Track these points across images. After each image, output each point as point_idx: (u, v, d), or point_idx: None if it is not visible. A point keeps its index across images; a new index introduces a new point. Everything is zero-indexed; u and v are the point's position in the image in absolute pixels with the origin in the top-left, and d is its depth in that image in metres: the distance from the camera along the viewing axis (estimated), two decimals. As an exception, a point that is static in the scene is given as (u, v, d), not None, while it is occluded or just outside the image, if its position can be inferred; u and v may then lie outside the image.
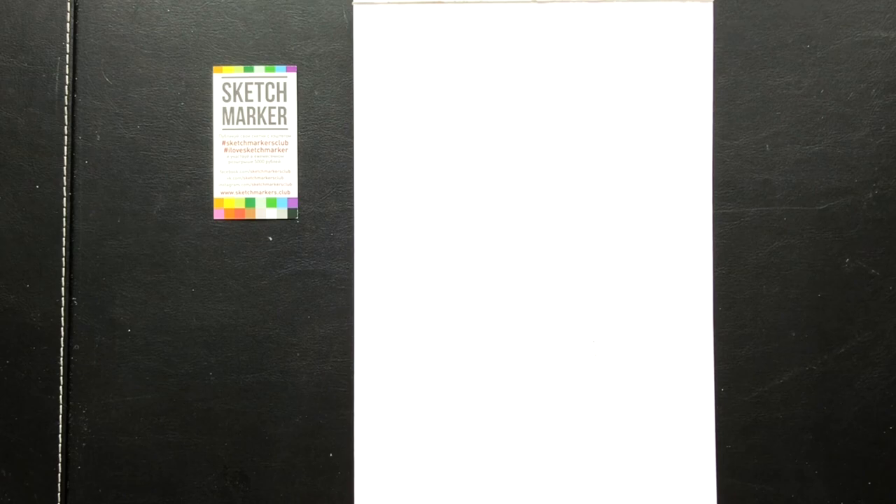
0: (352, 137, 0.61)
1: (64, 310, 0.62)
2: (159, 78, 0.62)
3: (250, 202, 0.62)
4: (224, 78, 0.62)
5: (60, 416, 0.62)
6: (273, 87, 0.62)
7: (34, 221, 0.62)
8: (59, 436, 0.62)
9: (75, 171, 0.62)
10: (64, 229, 0.62)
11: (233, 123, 0.62)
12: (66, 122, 0.62)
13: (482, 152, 0.61)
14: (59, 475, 0.61)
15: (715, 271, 0.60)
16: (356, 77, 0.61)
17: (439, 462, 0.61)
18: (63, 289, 0.62)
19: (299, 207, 0.62)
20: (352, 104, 0.61)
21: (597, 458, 0.60)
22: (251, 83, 0.62)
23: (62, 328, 0.62)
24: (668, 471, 0.60)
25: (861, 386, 0.60)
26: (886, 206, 0.60)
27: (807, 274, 0.60)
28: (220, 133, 0.62)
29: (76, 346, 0.62)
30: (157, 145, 0.62)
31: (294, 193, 0.62)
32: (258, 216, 0.62)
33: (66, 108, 0.62)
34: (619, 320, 0.60)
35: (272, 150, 0.62)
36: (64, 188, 0.62)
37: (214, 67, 0.62)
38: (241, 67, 0.62)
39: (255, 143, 0.62)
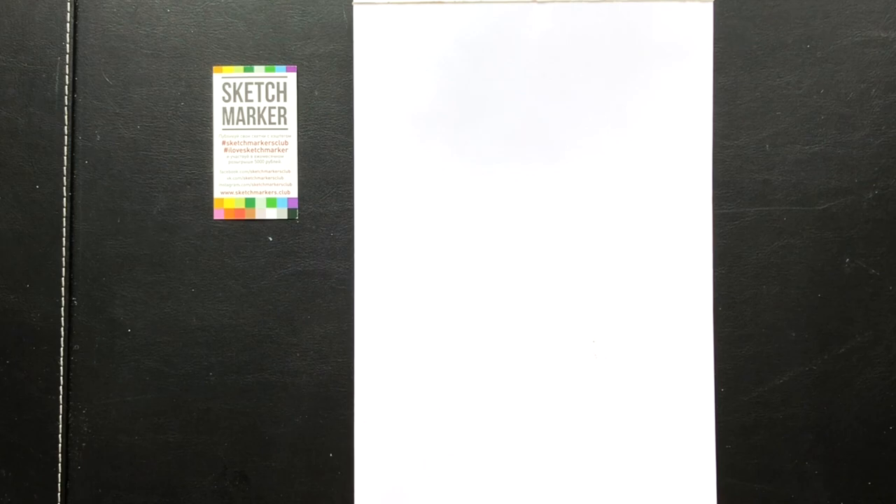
0: (352, 137, 0.61)
1: (64, 310, 0.62)
2: (159, 78, 0.62)
3: (250, 202, 0.62)
4: (224, 78, 0.62)
5: (60, 416, 0.62)
6: (273, 87, 0.62)
7: (34, 221, 0.62)
8: (59, 436, 0.62)
9: (75, 171, 0.62)
10: (64, 229, 0.62)
11: (233, 123, 0.62)
12: (66, 122, 0.62)
13: (482, 152, 0.61)
14: (59, 475, 0.61)
15: (715, 271, 0.60)
16: (356, 77, 0.61)
17: (439, 462, 0.61)
18: (63, 289, 0.62)
19: (299, 207, 0.62)
20: (352, 104, 0.61)
21: (597, 457, 0.60)
22: (251, 83, 0.62)
23: (62, 328, 0.62)
24: (668, 471, 0.60)
25: (861, 386, 0.60)
26: (886, 206, 0.60)
27: (807, 274, 0.60)
28: (220, 133, 0.62)
29: (76, 346, 0.62)
30: (157, 145, 0.62)
31: (294, 193, 0.62)
32: (258, 216, 0.62)
33: (66, 108, 0.62)
34: (619, 320, 0.60)
35: (272, 150, 0.62)
36: (64, 188, 0.62)
37: (214, 67, 0.62)
38: (241, 67, 0.62)
39: (255, 143, 0.62)
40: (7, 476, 0.62)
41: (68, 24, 0.62)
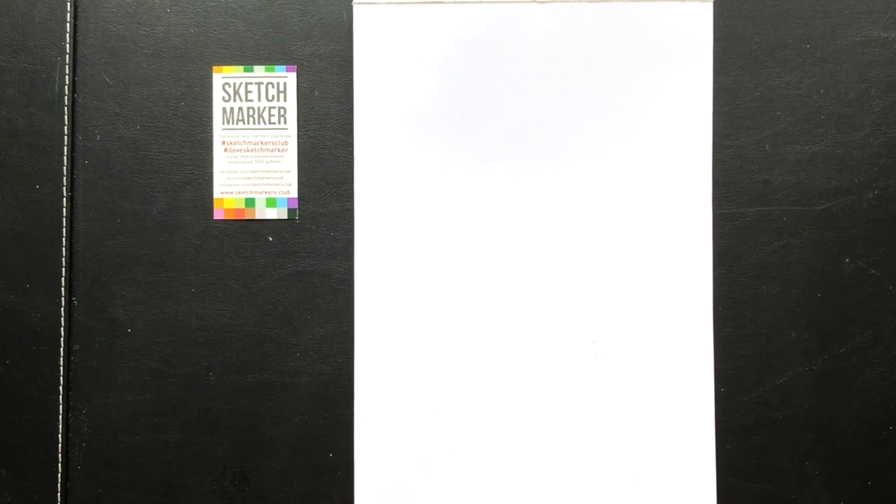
0: (352, 137, 0.61)
1: (64, 310, 0.62)
2: (159, 78, 0.62)
3: (250, 202, 0.62)
4: (224, 78, 0.62)
5: (60, 416, 0.62)
6: (273, 87, 0.62)
7: (34, 221, 0.62)
8: (59, 436, 0.62)
9: (75, 171, 0.62)
10: (64, 229, 0.62)
11: (233, 123, 0.62)
12: (66, 122, 0.62)
13: (482, 152, 0.61)
14: (59, 475, 0.61)
15: (715, 271, 0.60)
16: (356, 77, 0.61)
17: (439, 462, 0.61)
18: (63, 289, 0.62)
19: (299, 207, 0.62)
20: (352, 104, 0.61)
21: (597, 457, 0.60)
22: (251, 83, 0.62)
23: (62, 328, 0.62)
24: (668, 471, 0.60)
25: (861, 386, 0.60)
26: (886, 206, 0.60)
27: (807, 274, 0.60)
28: (220, 133, 0.62)
29: (76, 346, 0.62)
30: (157, 145, 0.62)
31: (294, 193, 0.62)
32: (258, 216, 0.62)
33: (66, 108, 0.62)
34: (619, 320, 0.60)
35: (272, 150, 0.62)
36: (64, 188, 0.62)
37: (214, 67, 0.62)
38: (241, 67, 0.62)
39: (255, 143, 0.62)
40: (7, 476, 0.62)
41: (68, 24, 0.62)
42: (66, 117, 0.62)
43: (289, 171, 0.62)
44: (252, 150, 0.62)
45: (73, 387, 0.62)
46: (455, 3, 0.60)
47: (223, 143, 0.62)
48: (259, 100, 0.62)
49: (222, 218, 0.62)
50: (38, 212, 0.62)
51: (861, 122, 0.60)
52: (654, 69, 0.60)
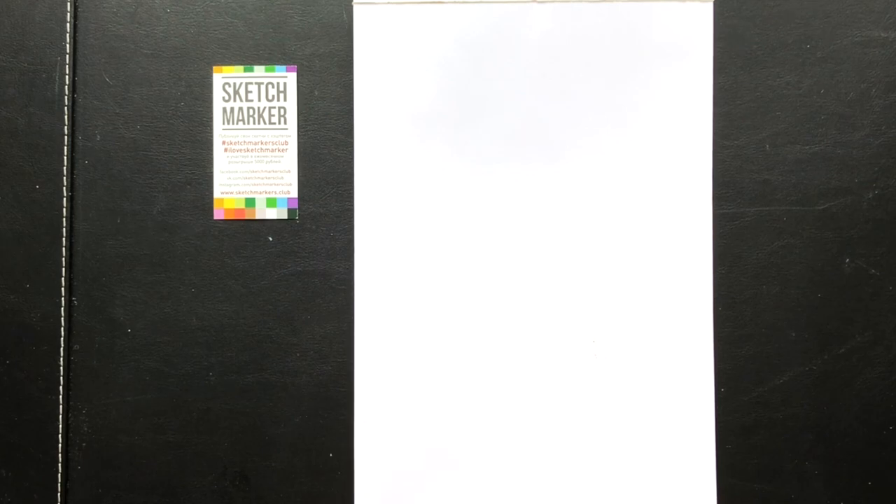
0: (352, 137, 0.61)
1: (64, 310, 0.62)
2: (159, 78, 0.62)
3: (250, 202, 0.62)
4: (224, 78, 0.62)
5: (60, 416, 0.62)
6: (273, 87, 0.62)
7: (34, 221, 0.62)
8: (59, 436, 0.62)
9: (75, 171, 0.62)
10: (64, 229, 0.62)
11: (233, 123, 0.62)
12: (66, 122, 0.62)
13: (482, 152, 0.61)
14: (59, 475, 0.61)
15: (715, 271, 0.60)
16: (356, 77, 0.61)
17: (439, 462, 0.61)
18: (63, 289, 0.62)
19: (299, 207, 0.62)
20: (352, 104, 0.61)
21: (597, 457, 0.60)
22: (251, 83, 0.62)
23: (62, 328, 0.62)
24: (668, 471, 0.60)
25: (861, 386, 0.60)
26: (886, 206, 0.60)
27: (807, 274, 0.60)
28: (220, 133, 0.62)
29: (76, 346, 0.62)
30: (157, 145, 0.62)
31: (294, 193, 0.62)
32: (258, 216, 0.62)
33: (66, 108, 0.62)
34: (619, 320, 0.60)
35: (272, 150, 0.62)
36: (64, 188, 0.62)
37: (214, 67, 0.62)
38: (241, 67, 0.62)
39: (255, 143, 0.62)
40: (7, 476, 0.62)
41: (68, 24, 0.62)
42: (66, 117, 0.62)
43: (289, 171, 0.62)
44: (252, 150, 0.62)
45: (73, 387, 0.62)
46: (455, 3, 0.60)
47: (223, 143, 0.62)
48: (259, 100, 0.62)
49: (222, 218, 0.62)
50: (38, 212, 0.62)
51: (861, 122, 0.60)
52: (654, 69, 0.60)
